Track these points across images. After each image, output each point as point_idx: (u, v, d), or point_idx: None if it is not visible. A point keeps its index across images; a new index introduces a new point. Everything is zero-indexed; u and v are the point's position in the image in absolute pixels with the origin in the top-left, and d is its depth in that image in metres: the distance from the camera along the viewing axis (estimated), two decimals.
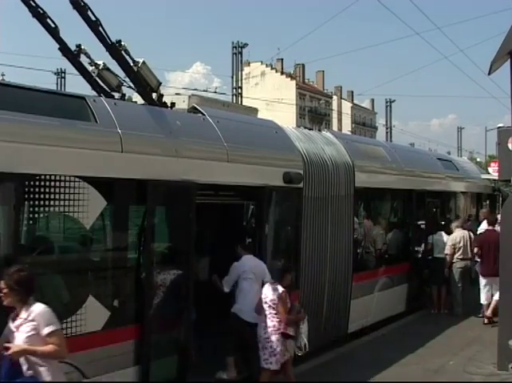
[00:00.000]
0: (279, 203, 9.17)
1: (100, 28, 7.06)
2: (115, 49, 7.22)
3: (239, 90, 28.91)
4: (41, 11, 6.69)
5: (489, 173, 20.91)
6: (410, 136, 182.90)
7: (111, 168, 6.30)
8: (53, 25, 6.86)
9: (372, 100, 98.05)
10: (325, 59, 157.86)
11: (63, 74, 37.48)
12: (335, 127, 77.05)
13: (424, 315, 13.48)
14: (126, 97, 7.69)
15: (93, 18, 6.98)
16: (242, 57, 30.23)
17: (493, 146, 59.71)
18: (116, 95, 7.59)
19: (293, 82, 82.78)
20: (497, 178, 14.46)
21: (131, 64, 7.42)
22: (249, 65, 66.40)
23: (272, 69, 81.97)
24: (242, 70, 30.52)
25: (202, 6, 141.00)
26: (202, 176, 7.38)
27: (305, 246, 9.43)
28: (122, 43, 7.25)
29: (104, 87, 7.57)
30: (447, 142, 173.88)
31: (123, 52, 7.31)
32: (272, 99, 59.59)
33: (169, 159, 7.01)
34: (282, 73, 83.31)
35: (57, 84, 37.32)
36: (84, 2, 6.83)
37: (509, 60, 9.25)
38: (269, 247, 8.87)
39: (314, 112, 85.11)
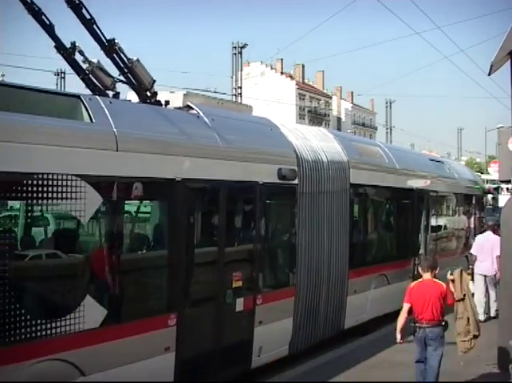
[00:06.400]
0: (274, 200, 9.21)
1: (95, 26, 7.13)
2: (109, 47, 7.28)
3: (239, 90, 28.97)
4: (37, 8, 6.74)
5: (488, 173, 21.28)
6: (410, 136, 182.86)
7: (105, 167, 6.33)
8: (48, 23, 6.92)
9: (372, 101, 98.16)
10: (325, 59, 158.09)
11: (63, 75, 37.64)
12: (334, 127, 77.07)
13: None
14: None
15: (88, 16, 7.05)
16: (241, 57, 30.34)
17: (493, 147, 59.88)
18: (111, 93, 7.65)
19: (293, 82, 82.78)
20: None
21: (126, 61, 7.49)
22: (248, 65, 66.43)
23: (272, 69, 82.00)
24: (241, 70, 30.58)
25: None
26: (194, 174, 7.47)
27: (300, 241, 9.47)
28: (116, 41, 7.32)
29: (99, 85, 7.62)
30: (448, 142, 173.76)
31: (117, 49, 7.37)
32: (271, 99, 59.60)
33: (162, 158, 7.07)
34: (282, 73, 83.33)
35: (57, 84, 37.48)
36: (79, 0, 6.88)
37: (509, 60, 9.25)
38: (264, 244, 8.91)
39: (314, 113, 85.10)
